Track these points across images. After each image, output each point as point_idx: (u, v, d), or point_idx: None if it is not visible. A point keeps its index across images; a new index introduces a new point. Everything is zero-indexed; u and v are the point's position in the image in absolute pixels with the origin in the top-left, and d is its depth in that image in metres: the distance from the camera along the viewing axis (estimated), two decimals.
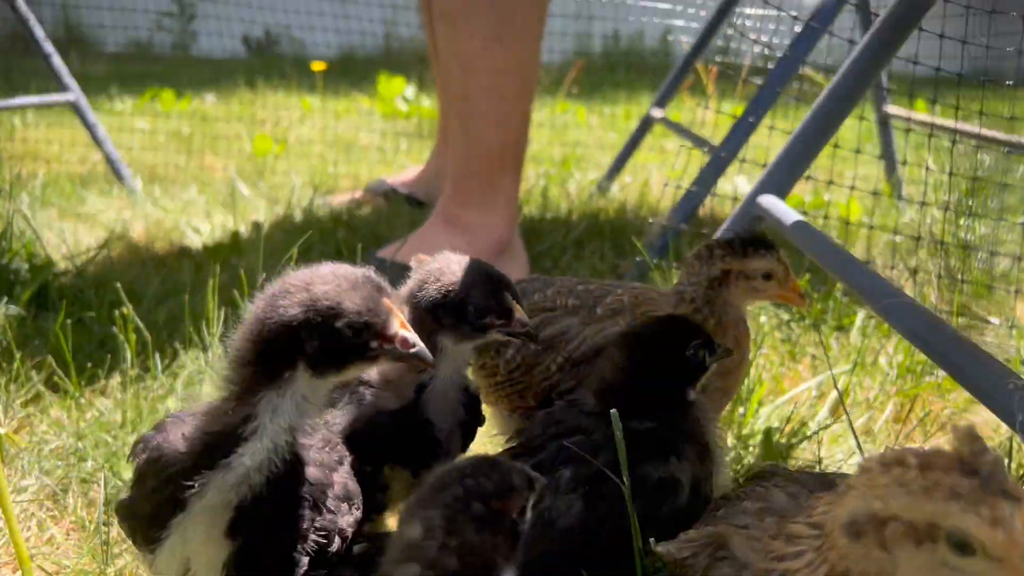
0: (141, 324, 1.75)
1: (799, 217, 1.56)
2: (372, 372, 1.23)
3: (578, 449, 1.08)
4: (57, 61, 3.56)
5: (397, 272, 2.38)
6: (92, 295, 2.09)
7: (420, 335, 1.19)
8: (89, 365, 1.80)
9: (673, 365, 1.14)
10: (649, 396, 1.12)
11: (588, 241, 2.84)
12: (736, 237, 1.31)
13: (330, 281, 0.90)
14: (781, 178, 1.75)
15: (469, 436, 1.24)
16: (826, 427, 1.60)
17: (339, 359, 0.91)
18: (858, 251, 2.90)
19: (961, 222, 2.98)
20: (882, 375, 1.95)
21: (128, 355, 1.73)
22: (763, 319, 2.16)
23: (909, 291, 2.55)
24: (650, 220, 2.94)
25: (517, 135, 2.49)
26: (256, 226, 3.05)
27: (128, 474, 1.54)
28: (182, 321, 1.90)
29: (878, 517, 0.65)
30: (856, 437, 1.41)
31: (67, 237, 2.87)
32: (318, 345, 0.88)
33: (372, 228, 2.99)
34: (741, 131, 2.66)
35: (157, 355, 1.78)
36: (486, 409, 1.43)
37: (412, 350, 0.92)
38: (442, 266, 1.19)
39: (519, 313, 1.15)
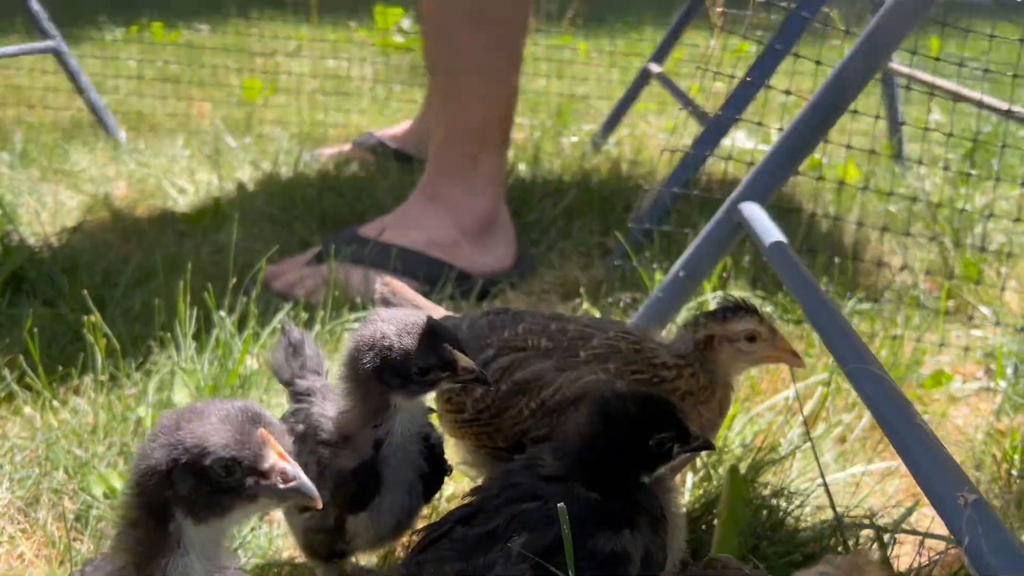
0: (109, 332, 1.73)
1: (779, 237, 1.51)
2: (327, 428, 1.21)
3: (531, 517, 1.07)
4: (36, 6, 3.45)
5: (380, 253, 2.35)
6: (66, 283, 2.07)
7: (369, 397, 1.18)
8: (60, 368, 1.78)
9: (632, 452, 1.11)
10: (603, 472, 1.10)
11: (577, 213, 2.79)
12: (718, 307, 1.34)
13: (201, 418, 0.85)
14: (765, 184, 1.69)
15: (432, 487, 1.24)
16: (794, 451, 1.59)
17: (216, 502, 0.85)
18: (852, 216, 2.85)
19: (961, 190, 2.92)
20: None
21: (99, 360, 1.72)
22: None
23: (898, 261, 2.51)
24: (644, 187, 2.88)
25: (502, 111, 2.41)
26: (240, 187, 3.01)
27: (97, 489, 1.54)
28: (158, 312, 1.88)
29: None
30: (820, 468, 1.40)
31: (48, 202, 2.83)
32: (190, 488, 0.83)
33: (358, 192, 2.94)
34: (741, 94, 2.58)
35: (129, 361, 1.77)
36: (450, 442, 1.42)
37: (291, 484, 0.85)
38: (377, 329, 1.17)
39: (462, 361, 1.15)
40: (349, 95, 4.42)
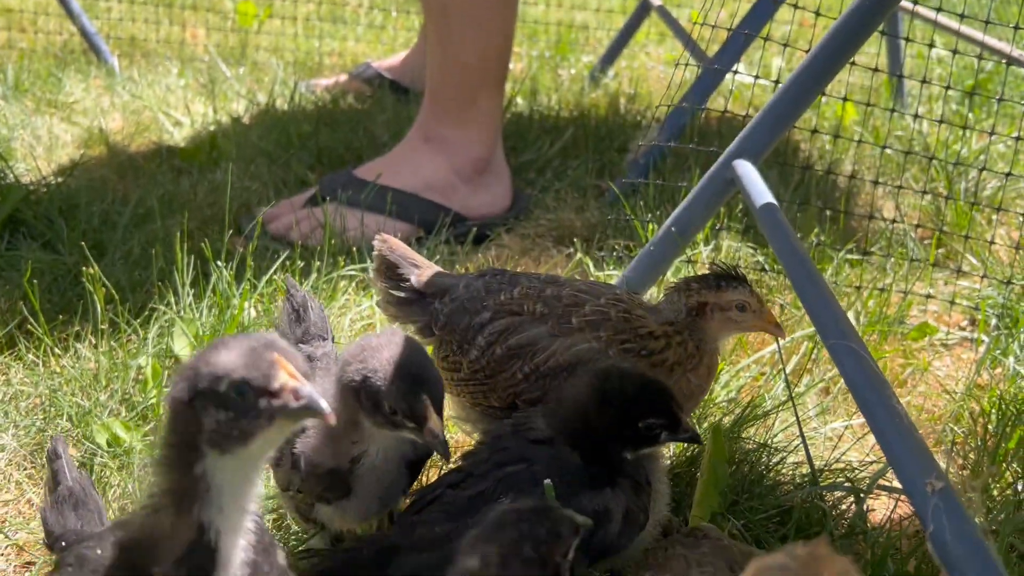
0: (108, 283, 1.75)
1: (770, 198, 1.52)
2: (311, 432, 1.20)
3: (519, 479, 1.12)
4: None
5: (376, 196, 2.35)
6: (64, 226, 2.08)
7: (347, 409, 1.15)
8: (61, 315, 1.81)
9: (621, 431, 1.15)
10: (589, 442, 1.14)
11: (574, 152, 2.78)
12: (710, 272, 1.36)
13: (219, 348, 0.87)
14: (760, 140, 1.69)
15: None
16: (778, 407, 1.64)
17: (236, 428, 0.86)
18: (847, 162, 2.85)
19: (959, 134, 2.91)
20: None
21: (99, 310, 1.74)
22: (739, 261, 2.15)
23: (889, 213, 2.53)
24: (641, 128, 2.87)
25: (499, 49, 2.38)
26: (236, 121, 2.99)
27: (100, 438, 1.59)
28: (155, 256, 1.90)
29: None
30: (800, 426, 1.44)
31: (43, 136, 2.82)
32: (213, 419, 0.85)
33: (354, 127, 2.92)
34: (736, 44, 2.56)
35: (129, 308, 1.80)
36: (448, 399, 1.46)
37: (302, 402, 0.86)
38: (374, 346, 1.15)
39: (432, 422, 1.10)
40: (346, 22, 4.34)
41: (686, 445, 1.60)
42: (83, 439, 1.58)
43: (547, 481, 1.06)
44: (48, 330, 1.76)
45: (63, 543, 1.08)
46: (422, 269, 1.46)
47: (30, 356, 1.76)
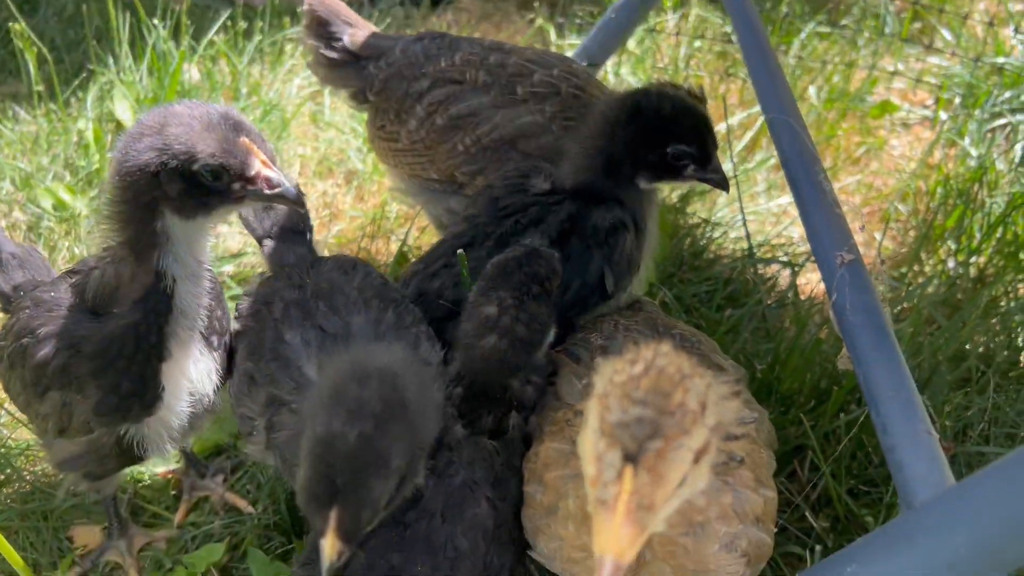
0: (39, 42, 1.67)
1: None
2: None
3: (534, 217, 1.12)
4: None
5: None
6: None
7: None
8: None
9: (647, 151, 1.08)
10: (609, 163, 1.10)
11: None
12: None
13: (183, 122, 0.87)
14: None
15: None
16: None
17: (203, 203, 0.90)
18: None
19: None
20: (807, 107, 1.93)
21: (31, 70, 1.68)
22: (699, 43, 2.08)
23: None
24: None
25: None
26: None
27: (46, 202, 1.58)
28: (88, 14, 1.80)
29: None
30: (741, 202, 1.46)
31: None
32: (178, 190, 0.88)
33: None
34: None
35: (64, 72, 1.73)
36: (384, 169, 1.43)
37: (276, 190, 0.90)
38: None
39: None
40: None
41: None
42: (28, 202, 1.58)
43: (459, 252, 1.07)
44: None
45: (20, 293, 1.11)
46: (356, 28, 1.38)
47: None
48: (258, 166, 0.90)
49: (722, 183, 1.10)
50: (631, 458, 0.60)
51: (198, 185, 0.89)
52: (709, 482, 0.66)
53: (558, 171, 1.16)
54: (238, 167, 0.89)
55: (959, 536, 0.67)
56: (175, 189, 0.89)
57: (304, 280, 1.05)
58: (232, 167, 0.89)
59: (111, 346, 0.93)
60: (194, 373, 0.98)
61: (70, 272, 1.07)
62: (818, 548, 1.14)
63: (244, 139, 0.90)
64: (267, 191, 0.91)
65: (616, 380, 0.64)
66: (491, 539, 0.89)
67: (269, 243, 1.15)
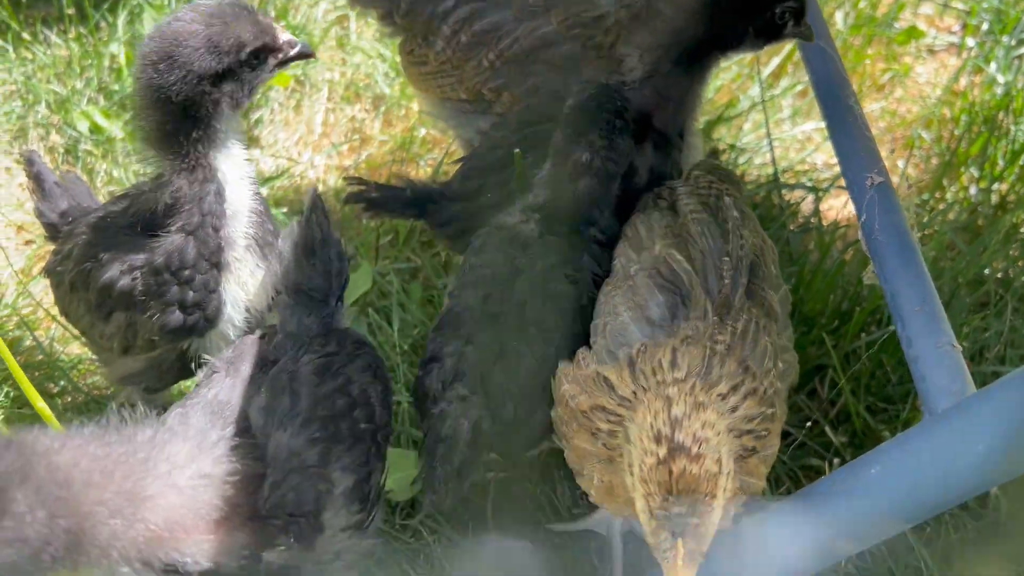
0: None
1: None
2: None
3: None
4: None
5: None
6: None
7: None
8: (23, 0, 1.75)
9: (757, 16, 1.12)
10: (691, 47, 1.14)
11: None
12: None
13: (215, 21, 0.95)
14: None
15: None
16: (751, 107, 1.65)
17: (249, 85, 0.99)
18: None
19: None
20: (834, 32, 1.92)
21: None
22: None
23: None
24: None
25: None
26: None
27: (82, 125, 1.61)
28: None
29: None
30: (768, 126, 1.47)
31: None
32: (232, 82, 0.96)
33: None
34: None
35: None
36: (416, 94, 1.46)
37: (296, 49, 1.02)
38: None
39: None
40: None
41: None
42: (65, 126, 1.61)
43: (516, 151, 1.11)
44: (12, 12, 1.71)
45: (68, 220, 1.16)
46: None
47: None
48: (282, 34, 1.01)
49: (811, 35, 1.15)
50: (677, 535, 0.77)
51: (246, 70, 0.98)
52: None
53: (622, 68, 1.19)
54: (272, 41, 0.99)
55: (980, 439, 0.72)
56: (229, 83, 0.97)
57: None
58: (269, 43, 0.99)
59: (173, 260, 0.98)
60: (251, 285, 1.02)
61: (122, 196, 1.11)
62: (836, 461, 1.20)
63: (259, 14, 1.00)
64: (291, 53, 1.02)
65: (648, 464, 0.79)
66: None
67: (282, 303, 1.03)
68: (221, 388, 0.88)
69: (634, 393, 0.83)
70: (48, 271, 1.13)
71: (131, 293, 0.99)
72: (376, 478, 0.91)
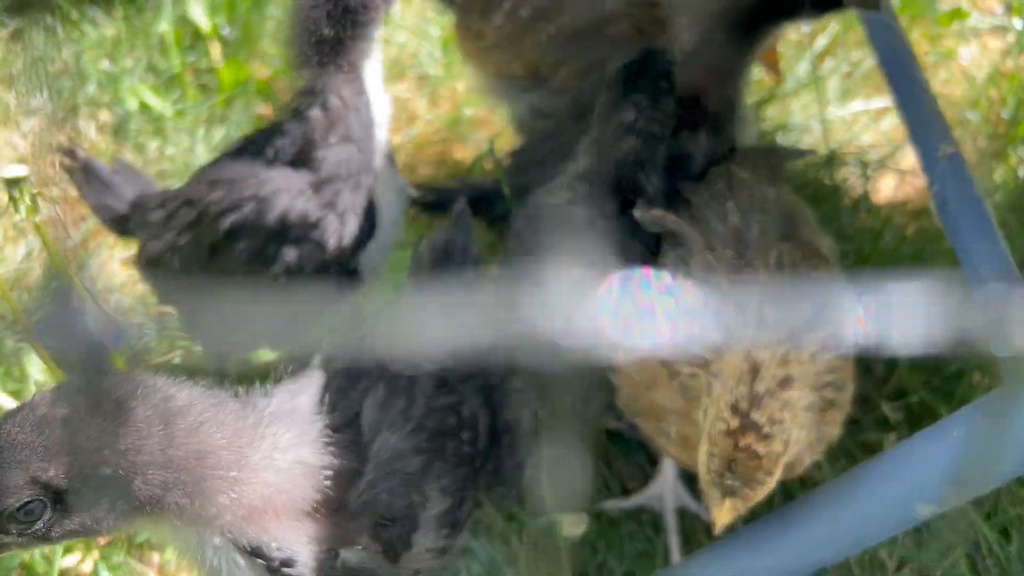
0: None
1: None
2: None
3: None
4: None
5: None
6: None
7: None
8: None
9: None
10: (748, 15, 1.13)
11: None
12: None
13: None
14: None
15: None
16: (799, 87, 1.65)
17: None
18: None
19: None
20: None
21: None
22: None
23: None
24: None
25: None
26: None
27: (131, 102, 1.62)
28: None
29: None
30: (820, 105, 1.46)
31: None
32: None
33: None
34: None
35: None
36: (467, 71, 1.46)
37: None
38: None
39: None
40: None
41: None
42: (115, 103, 1.62)
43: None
44: None
45: (137, 206, 1.14)
46: None
47: (47, 18, 1.74)
48: None
49: (878, 3, 1.12)
50: (726, 495, 0.80)
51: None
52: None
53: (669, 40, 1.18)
54: None
55: None
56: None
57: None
58: None
59: (342, 169, 0.99)
60: (388, 197, 1.05)
61: (244, 142, 1.09)
62: (892, 435, 1.20)
63: None
64: None
65: (717, 429, 0.80)
66: None
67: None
68: (333, 378, 0.86)
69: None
70: (150, 260, 1.08)
71: (306, 215, 0.97)
72: (468, 507, 0.88)
